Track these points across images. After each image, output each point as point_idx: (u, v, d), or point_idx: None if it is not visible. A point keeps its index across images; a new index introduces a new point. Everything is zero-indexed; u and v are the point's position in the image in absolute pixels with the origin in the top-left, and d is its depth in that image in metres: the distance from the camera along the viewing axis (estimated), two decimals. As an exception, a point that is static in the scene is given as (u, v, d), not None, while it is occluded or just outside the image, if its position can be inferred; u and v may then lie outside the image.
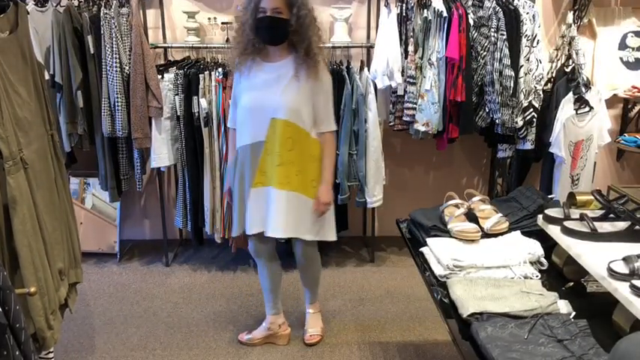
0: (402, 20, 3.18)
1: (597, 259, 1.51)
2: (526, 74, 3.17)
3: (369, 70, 3.26)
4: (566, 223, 1.70)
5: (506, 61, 3.09)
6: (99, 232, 3.66)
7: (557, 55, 3.38)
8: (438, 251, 1.79)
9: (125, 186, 3.37)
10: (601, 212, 1.75)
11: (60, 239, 1.94)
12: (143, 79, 3.14)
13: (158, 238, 3.76)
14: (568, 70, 3.28)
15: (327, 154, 2.48)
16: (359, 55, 3.53)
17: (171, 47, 3.54)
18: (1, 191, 1.61)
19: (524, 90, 3.17)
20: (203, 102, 3.16)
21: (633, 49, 3.57)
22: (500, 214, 1.97)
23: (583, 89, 3.19)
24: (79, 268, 2.13)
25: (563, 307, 1.51)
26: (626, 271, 1.40)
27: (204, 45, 3.42)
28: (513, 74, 3.10)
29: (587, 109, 3.20)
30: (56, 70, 3.10)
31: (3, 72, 1.64)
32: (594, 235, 1.64)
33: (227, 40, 3.45)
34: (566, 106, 3.18)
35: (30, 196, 1.70)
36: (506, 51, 3.08)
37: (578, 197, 1.92)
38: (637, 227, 1.64)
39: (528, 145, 3.31)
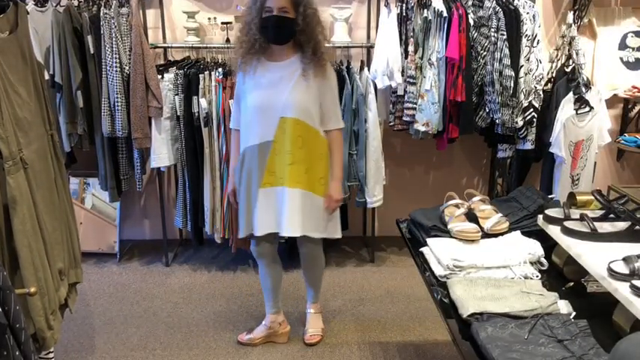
0: (402, 20, 3.18)
1: (597, 259, 1.51)
2: (526, 74, 3.17)
3: (369, 70, 3.26)
4: (567, 223, 1.70)
5: (507, 61, 3.09)
6: (99, 232, 3.66)
7: (557, 55, 3.38)
8: (438, 251, 1.79)
9: (125, 186, 3.37)
10: (601, 212, 1.75)
11: (60, 239, 1.94)
12: (143, 79, 3.14)
13: (158, 238, 3.76)
14: (568, 70, 3.28)
15: (336, 151, 2.50)
16: (359, 55, 3.53)
17: (171, 47, 3.54)
18: (1, 191, 1.61)
19: (524, 90, 3.17)
20: (203, 102, 3.16)
21: (633, 49, 3.57)
22: (500, 214, 1.97)
23: (583, 89, 3.19)
24: (79, 268, 2.13)
25: (564, 307, 1.51)
26: (626, 272, 1.40)
27: (204, 45, 3.42)
28: (513, 74, 3.10)
29: (587, 109, 3.20)
30: (56, 70, 3.09)
31: (3, 72, 1.64)
32: (594, 235, 1.64)
33: (227, 40, 3.45)
34: (567, 106, 3.18)
35: (30, 196, 1.70)
36: (507, 51, 3.08)
37: (578, 197, 1.92)
38: (637, 227, 1.64)
39: (528, 145, 3.31)
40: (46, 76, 2.94)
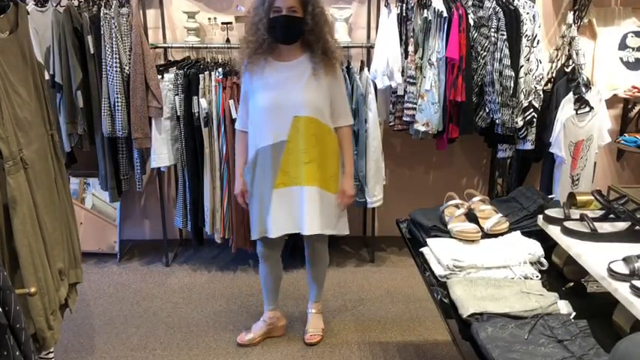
0: (402, 20, 3.18)
1: (597, 259, 1.51)
2: (526, 74, 3.17)
3: (369, 70, 3.26)
4: (567, 224, 1.70)
5: (507, 61, 3.09)
6: (99, 232, 3.66)
7: (557, 55, 3.38)
8: (438, 251, 1.79)
9: (125, 186, 3.37)
10: (601, 212, 1.75)
11: (60, 239, 1.94)
12: (143, 79, 3.14)
13: (158, 238, 3.76)
14: (568, 70, 3.28)
15: (347, 148, 2.53)
16: (359, 55, 3.54)
17: (172, 47, 3.54)
18: (1, 191, 1.61)
19: (524, 90, 3.17)
20: (203, 102, 3.16)
21: (633, 49, 3.57)
22: (500, 215, 1.97)
23: (583, 89, 3.19)
24: (79, 268, 2.13)
25: (564, 307, 1.51)
26: (626, 272, 1.40)
27: (204, 45, 3.42)
28: (513, 74, 3.10)
29: (587, 109, 3.20)
30: (56, 70, 3.10)
31: (3, 72, 1.64)
32: (594, 236, 1.64)
33: (227, 40, 3.45)
34: (567, 106, 3.18)
35: (30, 196, 1.70)
36: (507, 51, 3.08)
37: (578, 197, 1.92)
38: (637, 227, 1.64)
39: (528, 146, 3.31)
40: (46, 76, 2.94)
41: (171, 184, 3.81)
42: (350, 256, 3.73)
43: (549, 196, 2.10)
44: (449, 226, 1.93)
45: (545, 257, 1.77)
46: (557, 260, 1.76)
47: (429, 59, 3.17)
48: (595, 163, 3.38)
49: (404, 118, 3.26)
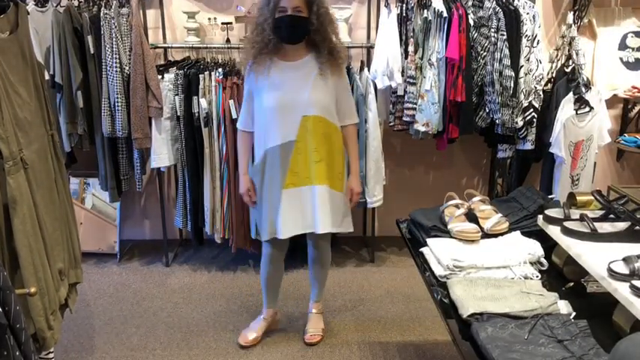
0: (402, 20, 3.18)
1: (597, 259, 1.51)
2: (526, 74, 3.17)
3: (369, 70, 3.26)
4: (566, 224, 1.70)
5: (507, 61, 3.09)
6: (99, 232, 3.66)
7: (557, 55, 3.38)
8: (438, 251, 1.79)
9: (125, 186, 3.37)
10: (601, 212, 1.75)
11: (60, 239, 1.94)
12: (143, 79, 3.14)
13: (158, 238, 3.76)
14: (568, 70, 3.28)
15: (353, 146, 2.56)
16: (359, 56, 3.54)
17: (172, 47, 3.54)
18: (1, 191, 1.61)
19: (524, 90, 3.17)
20: (203, 102, 3.16)
21: (633, 49, 3.57)
22: (500, 215, 1.97)
23: (583, 89, 3.19)
24: (79, 269, 2.13)
25: (564, 307, 1.51)
26: (626, 272, 1.40)
27: (204, 45, 3.42)
28: (513, 74, 3.10)
29: (587, 109, 3.20)
30: (56, 70, 3.10)
31: (3, 72, 1.64)
32: (594, 236, 1.64)
33: (227, 41, 3.45)
34: (566, 107, 3.18)
35: (30, 196, 1.70)
36: (507, 51, 3.08)
37: (578, 197, 1.92)
38: (637, 227, 1.64)
39: (528, 146, 3.31)
40: (47, 76, 2.94)
41: (171, 184, 3.81)
42: (350, 256, 3.73)
43: (549, 196, 2.10)
44: (449, 226, 1.93)
45: (545, 257, 1.77)
46: (557, 260, 1.76)
47: (429, 59, 3.17)
48: (595, 163, 3.38)
49: (404, 118, 3.26)
